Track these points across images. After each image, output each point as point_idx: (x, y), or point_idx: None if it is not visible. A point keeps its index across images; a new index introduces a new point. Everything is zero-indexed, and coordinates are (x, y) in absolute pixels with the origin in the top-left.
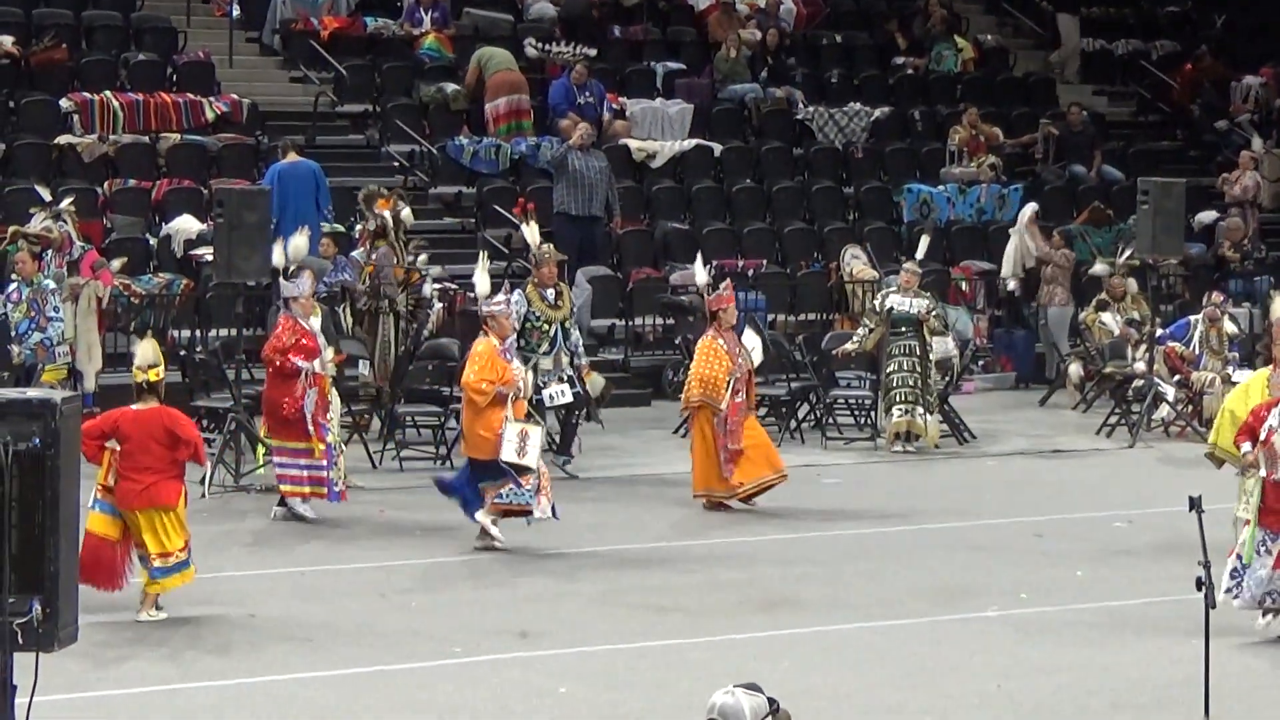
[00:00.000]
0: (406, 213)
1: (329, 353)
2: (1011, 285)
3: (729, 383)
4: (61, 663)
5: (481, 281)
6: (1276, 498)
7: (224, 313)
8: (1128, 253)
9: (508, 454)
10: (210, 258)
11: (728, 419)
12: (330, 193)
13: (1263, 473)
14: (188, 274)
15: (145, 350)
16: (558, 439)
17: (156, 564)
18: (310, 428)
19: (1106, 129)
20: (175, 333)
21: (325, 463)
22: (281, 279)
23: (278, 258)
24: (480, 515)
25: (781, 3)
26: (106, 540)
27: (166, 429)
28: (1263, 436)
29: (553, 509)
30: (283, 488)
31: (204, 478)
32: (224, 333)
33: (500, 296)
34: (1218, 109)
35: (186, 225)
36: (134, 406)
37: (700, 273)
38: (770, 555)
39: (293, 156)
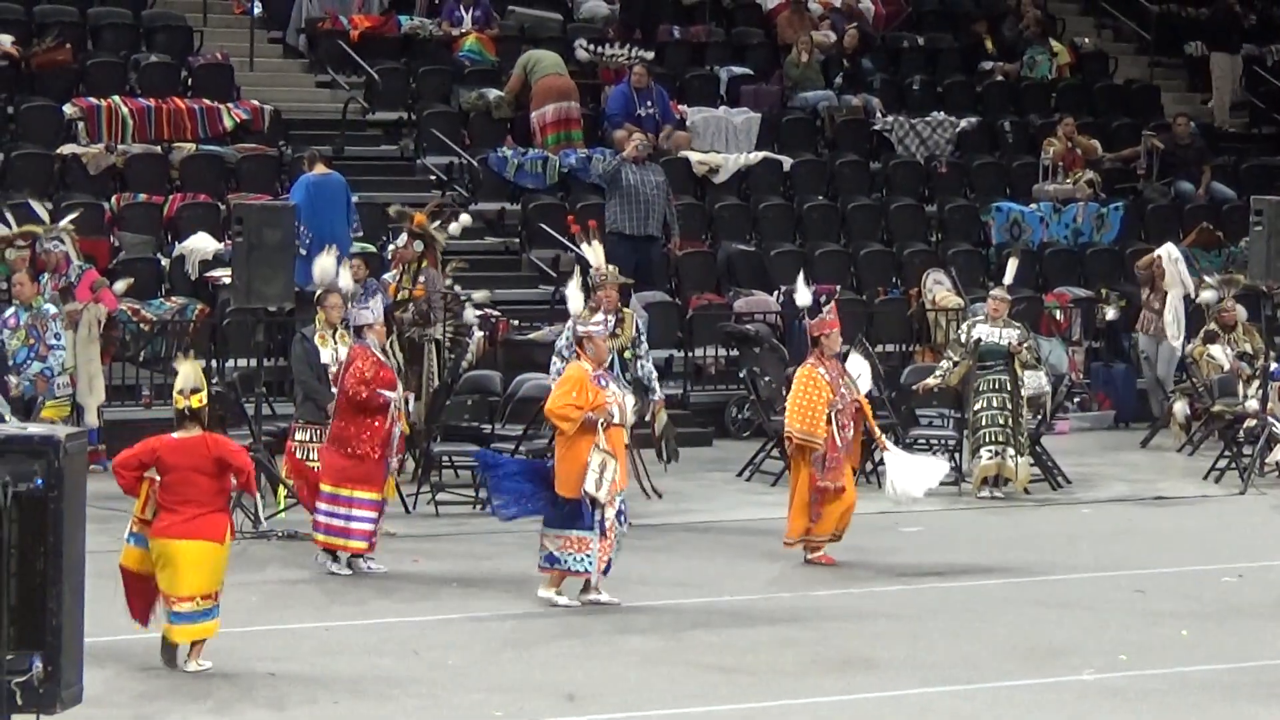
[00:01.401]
0: (456, 226)
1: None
2: (1111, 314)
3: (828, 415)
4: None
5: (575, 299)
6: None
7: (242, 341)
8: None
9: (589, 484)
10: (227, 280)
11: (826, 455)
12: (360, 209)
13: None
14: (203, 298)
15: (187, 373)
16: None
17: (189, 607)
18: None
19: (1217, 141)
20: None
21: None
22: (351, 305)
23: (321, 275)
24: (541, 592)
25: (859, 1)
26: (142, 575)
27: (214, 458)
28: None
29: (607, 565)
30: (352, 544)
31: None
32: (242, 363)
33: (599, 316)
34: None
35: (202, 245)
36: (175, 434)
37: (804, 293)
38: (843, 611)
39: (321, 168)
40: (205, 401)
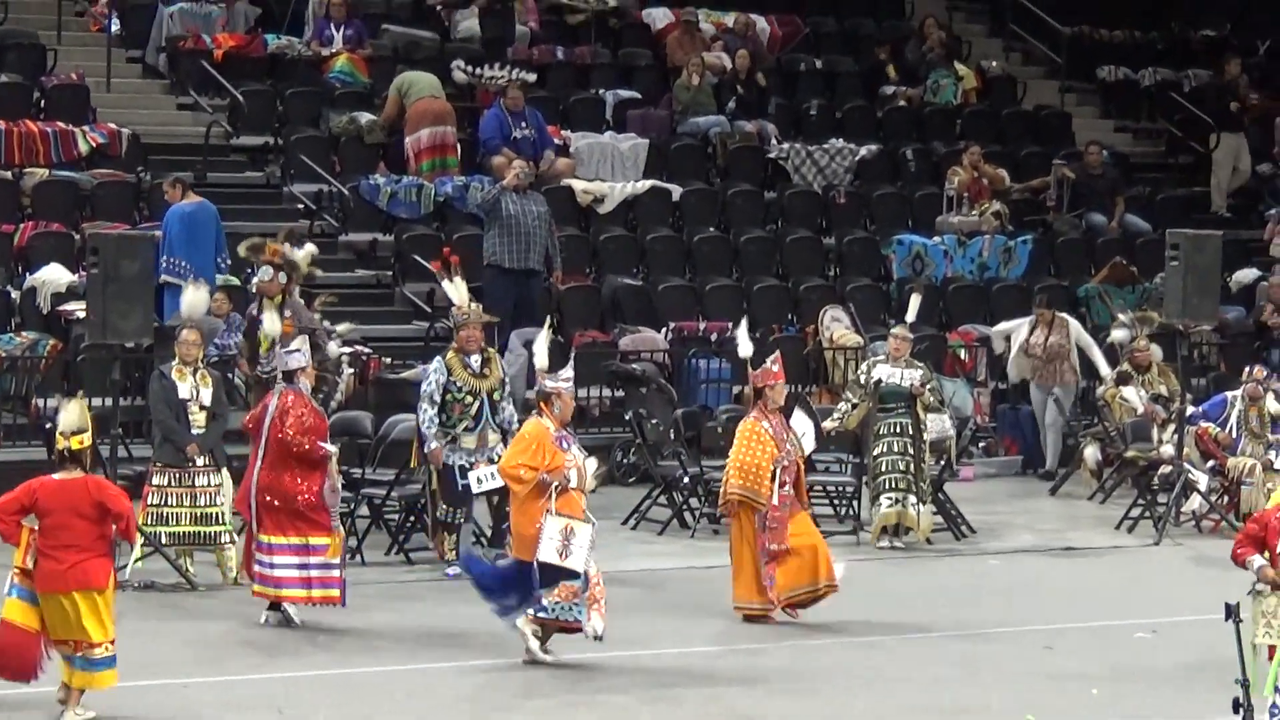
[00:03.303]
0: (304, 253)
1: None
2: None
3: (773, 472)
4: None
5: (542, 354)
6: None
7: (97, 379)
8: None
9: (545, 553)
10: (82, 315)
11: (768, 514)
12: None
13: None
14: (55, 333)
15: (71, 413)
16: (489, 530)
17: (85, 654)
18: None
19: (1131, 172)
20: (40, 401)
21: (339, 560)
22: (279, 349)
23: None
24: (520, 623)
25: (754, 22)
26: (27, 631)
27: (95, 501)
28: None
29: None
30: (283, 592)
31: None
32: (97, 402)
33: (567, 373)
34: (1260, 149)
35: (55, 276)
36: (55, 476)
37: (745, 343)
38: (732, 671)
39: (192, 196)
40: (87, 443)
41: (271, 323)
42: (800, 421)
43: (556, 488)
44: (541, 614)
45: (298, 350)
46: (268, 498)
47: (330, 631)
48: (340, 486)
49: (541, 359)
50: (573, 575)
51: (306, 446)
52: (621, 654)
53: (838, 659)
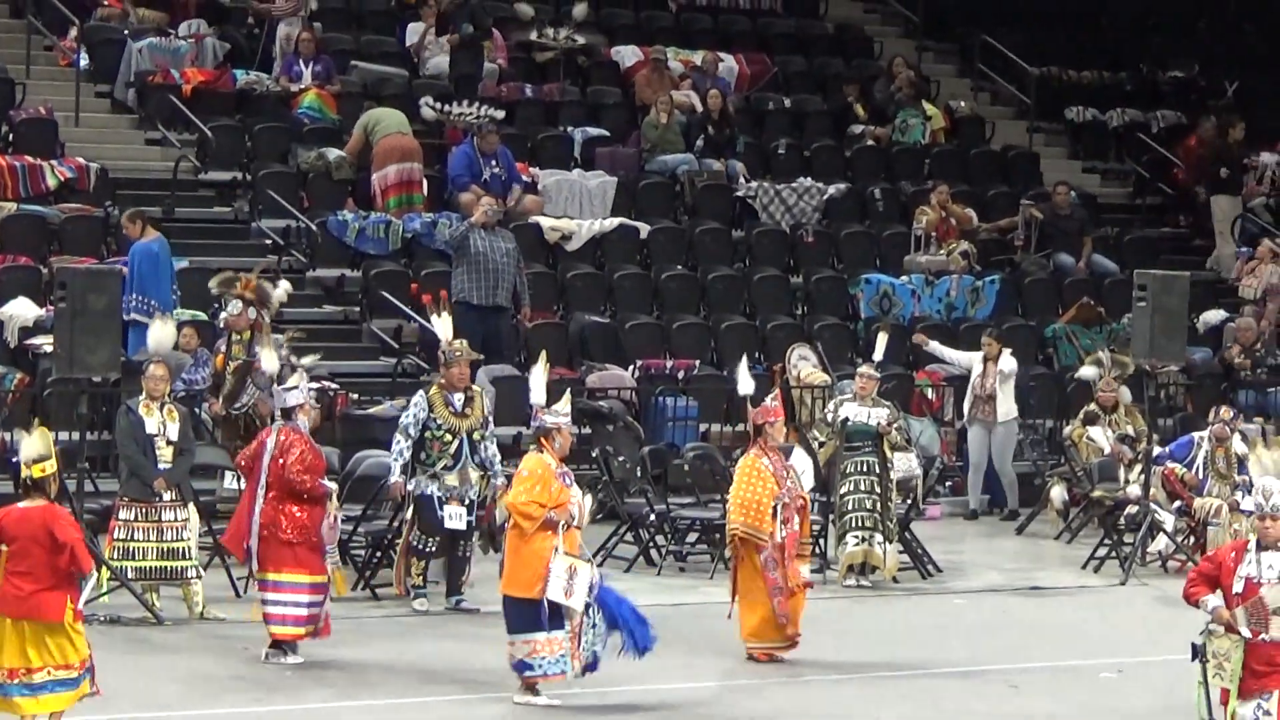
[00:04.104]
0: (279, 291)
1: None
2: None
3: (775, 509)
4: None
5: (538, 389)
6: (1260, 659)
7: (65, 413)
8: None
9: (554, 592)
10: (49, 349)
11: (772, 554)
12: (191, 274)
13: (1245, 633)
14: (22, 367)
15: (33, 442)
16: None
17: (41, 677)
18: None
19: (1098, 212)
20: (6, 435)
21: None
22: (277, 387)
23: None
24: (518, 698)
25: (721, 60)
26: None
27: (47, 529)
28: (1238, 589)
29: (594, 661)
30: (292, 630)
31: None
32: (65, 436)
33: (565, 407)
34: (1228, 191)
35: (22, 310)
36: (20, 504)
37: (745, 380)
38: (692, 711)
39: (151, 232)
40: (49, 471)
41: (270, 361)
42: (800, 459)
43: (561, 525)
44: (529, 674)
45: (295, 388)
46: (268, 533)
47: (301, 667)
48: (339, 522)
49: (539, 395)
50: (571, 614)
51: (309, 485)
52: (587, 690)
53: (802, 697)
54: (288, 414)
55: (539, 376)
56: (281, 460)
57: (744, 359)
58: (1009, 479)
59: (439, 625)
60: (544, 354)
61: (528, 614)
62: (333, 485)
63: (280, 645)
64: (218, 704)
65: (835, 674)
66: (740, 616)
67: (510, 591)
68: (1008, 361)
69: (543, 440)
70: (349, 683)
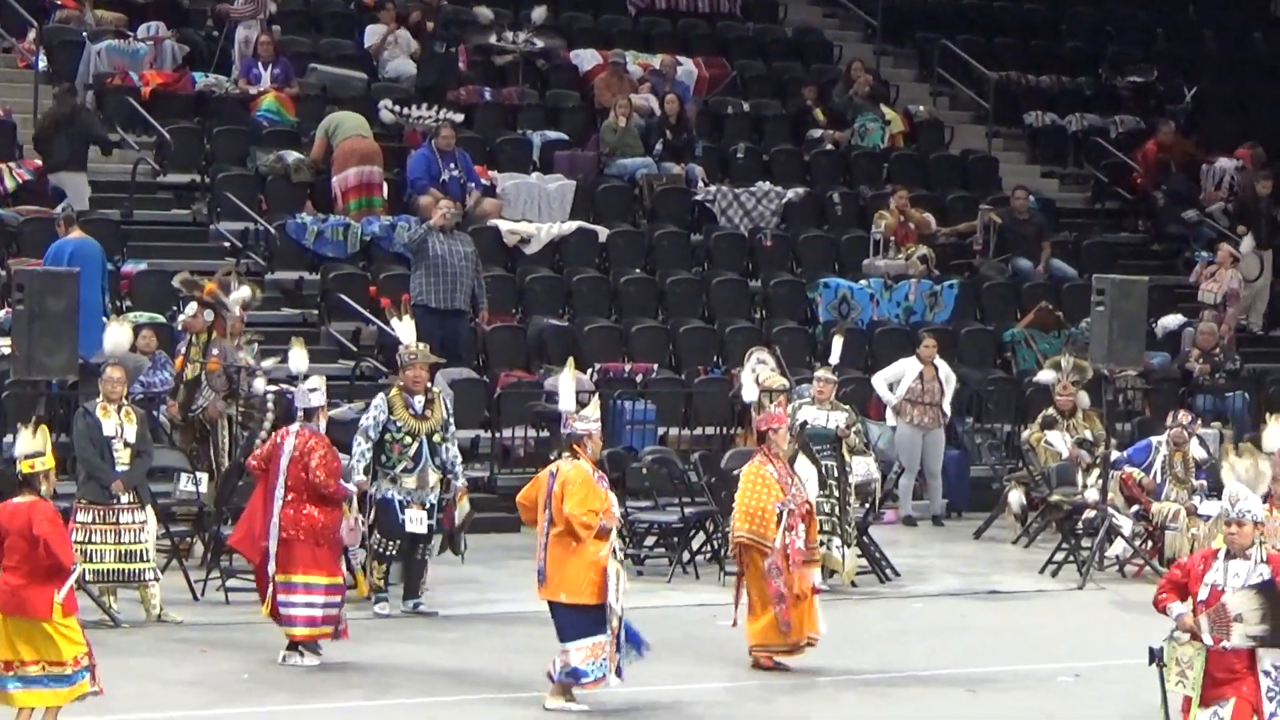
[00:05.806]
0: (237, 295)
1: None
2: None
3: (780, 516)
4: None
5: (568, 396)
6: (1221, 666)
7: (23, 416)
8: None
9: (613, 595)
10: (7, 351)
11: (776, 562)
12: (149, 276)
13: (1208, 640)
14: None
15: (26, 438)
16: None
17: (34, 671)
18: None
19: (1057, 217)
20: None
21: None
22: (299, 387)
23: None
24: (550, 703)
25: (680, 64)
26: None
27: (30, 524)
28: (1203, 596)
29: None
30: (311, 630)
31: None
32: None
33: (594, 413)
34: (1186, 196)
35: None
36: (14, 500)
37: (750, 387)
38: (657, 712)
39: (77, 232)
40: (39, 467)
41: (298, 360)
42: (803, 467)
43: (605, 530)
44: (585, 679)
45: (318, 389)
46: (288, 535)
47: (253, 672)
48: (360, 524)
49: (569, 401)
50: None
51: (333, 488)
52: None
53: (761, 702)
54: (309, 415)
55: (568, 383)
56: (303, 463)
57: (747, 367)
58: (939, 481)
59: (398, 629)
60: (570, 360)
61: (587, 619)
62: (353, 488)
63: (297, 647)
64: (175, 707)
65: (792, 678)
66: (746, 623)
67: (569, 598)
68: (945, 366)
69: (575, 447)
70: (306, 687)
